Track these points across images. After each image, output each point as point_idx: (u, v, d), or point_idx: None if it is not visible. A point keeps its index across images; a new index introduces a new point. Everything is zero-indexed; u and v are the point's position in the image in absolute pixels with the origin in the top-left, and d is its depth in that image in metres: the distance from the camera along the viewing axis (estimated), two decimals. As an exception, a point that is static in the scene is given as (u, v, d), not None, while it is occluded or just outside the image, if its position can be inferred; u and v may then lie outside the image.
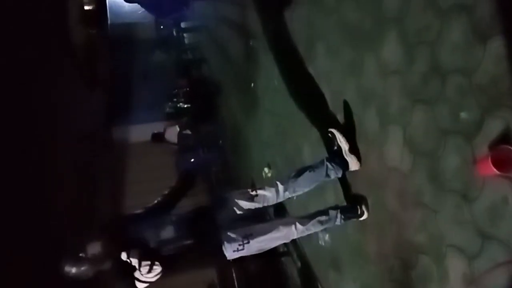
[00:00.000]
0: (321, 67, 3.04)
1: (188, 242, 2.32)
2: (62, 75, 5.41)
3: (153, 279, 2.19)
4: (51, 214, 3.91)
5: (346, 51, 2.73)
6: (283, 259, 4.41)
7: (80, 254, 2.04)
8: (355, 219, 2.62)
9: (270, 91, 4.34)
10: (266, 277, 4.68)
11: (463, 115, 1.77)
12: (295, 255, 4.02)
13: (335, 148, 2.61)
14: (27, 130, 4.08)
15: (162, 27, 9.42)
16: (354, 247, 2.82)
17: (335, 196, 2.95)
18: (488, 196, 1.68)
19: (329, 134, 2.65)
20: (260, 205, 2.53)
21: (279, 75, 3.99)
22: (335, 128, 2.64)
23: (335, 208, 2.64)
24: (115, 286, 2.59)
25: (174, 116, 7.58)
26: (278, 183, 2.56)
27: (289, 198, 2.66)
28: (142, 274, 2.14)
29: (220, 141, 7.34)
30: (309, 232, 2.58)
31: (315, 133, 3.17)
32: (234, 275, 4.44)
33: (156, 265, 2.15)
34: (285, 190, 2.54)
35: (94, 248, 2.05)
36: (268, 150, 4.70)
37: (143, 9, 9.41)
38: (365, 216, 2.59)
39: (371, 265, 2.63)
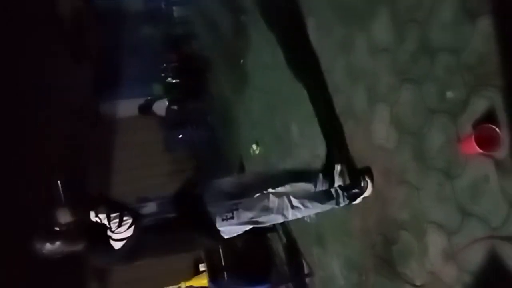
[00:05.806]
0: (312, 44, 3.02)
1: (171, 215, 2.17)
2: (49, 48, 5.30)
3: (128, 233, 2.02)
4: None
5: (337, 28, 2.71)
6: (269, 235, 4.47)
7: (52, 228, 1.91)
8: (360, 196, 2.44)
9: (259, 68, 4.31)
10: (252, 253, 4.74)
11: (449, 94, 1.79)
12: (280, 231, 4.08)
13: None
14: (13, 103, 4.01)
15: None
16: (339, 224, 2.87)
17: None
18: (470, 174, 1.71)
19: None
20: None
21: (269, 52, 3.95)
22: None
23: (334, 187, 2.50)
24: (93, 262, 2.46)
25: (163, 91, 7.49)
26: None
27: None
28: (113, 232, 2.01)
29: (209, 117, 7.30)
30: (306, 211, 2.37)
31: (303, 111, 3.17)
32: (220, 250, 4.50)
33: (125, 215, 2.01)
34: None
35: (63, 215, 1.91)
36: (256, 127, 4.69)
37: (131, -19, 9.14)
38: (369, 190, 2.41)
39: (354, 241, 2.68)
